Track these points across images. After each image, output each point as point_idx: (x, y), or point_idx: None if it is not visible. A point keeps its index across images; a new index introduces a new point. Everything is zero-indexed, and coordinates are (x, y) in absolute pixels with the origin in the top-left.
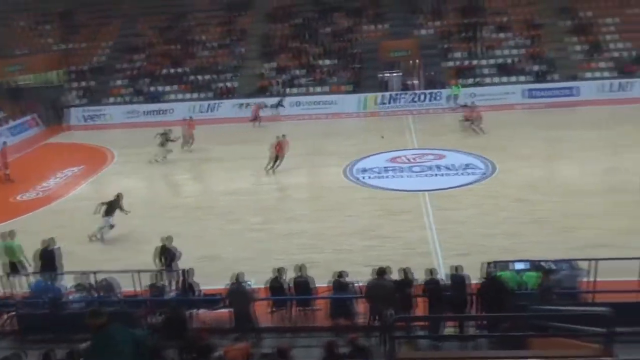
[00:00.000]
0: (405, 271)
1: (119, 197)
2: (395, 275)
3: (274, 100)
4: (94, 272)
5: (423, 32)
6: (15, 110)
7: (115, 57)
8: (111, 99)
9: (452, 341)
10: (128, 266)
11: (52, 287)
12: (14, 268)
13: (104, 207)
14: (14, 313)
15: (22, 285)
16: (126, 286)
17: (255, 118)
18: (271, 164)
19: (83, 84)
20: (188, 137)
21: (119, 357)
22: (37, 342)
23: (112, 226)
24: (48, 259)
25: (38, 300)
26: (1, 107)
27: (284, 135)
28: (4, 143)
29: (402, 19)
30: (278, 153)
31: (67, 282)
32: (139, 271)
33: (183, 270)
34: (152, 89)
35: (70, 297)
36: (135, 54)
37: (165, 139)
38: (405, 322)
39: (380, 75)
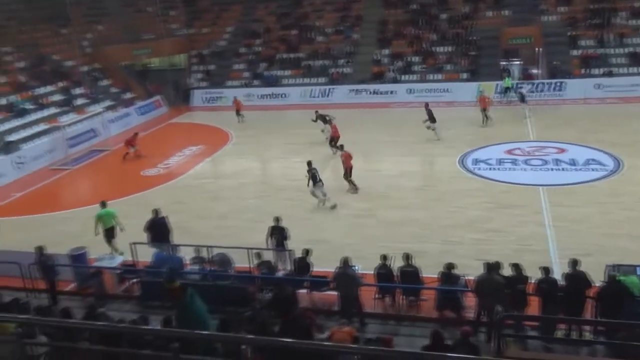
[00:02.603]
0: (517, 267)
1: (309, 164)
2: (505, 271)
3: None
4: (209, 247)
5: (547, 18)
6: (142, 92)
7: (235, 41)
8: (229, 82)
9: (565, 345)
10: (240, 243)
11: (173, 258)
12: (111, 233)
13: (309, 181)
14: (137, 280)
15: (144, 255)
16: (238, 262)
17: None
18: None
19: (203, 67)
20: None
21: (201, 324)
22: (156, 308)
23: (323, 193)
24: (159, 227)
25: (159, 270)
26: (130, 88)
27: (341, 146)
28: (136, 134)
29: (524, 5)
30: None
31: (184, 254)
32: (249, 248)
33: (305, 250)
34: (266, 73)
35: (188, 268)
36: (253, 39)
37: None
38: (515, 320)
39: (504, 63)
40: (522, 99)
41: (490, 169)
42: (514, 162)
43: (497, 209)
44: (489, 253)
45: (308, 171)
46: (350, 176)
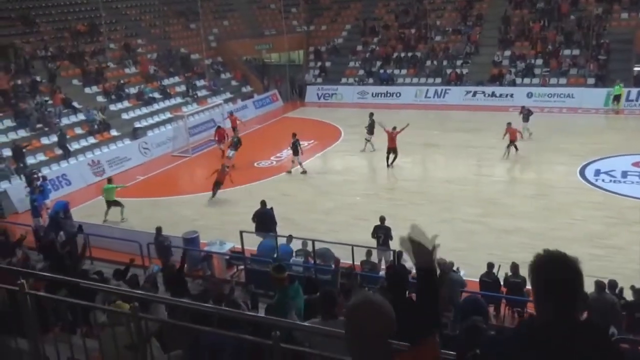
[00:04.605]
0: (638, 292)
1: (294, 135)
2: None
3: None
4: (314, 240)
5: None
6: (259, 86)
7: (353, 39)
8: (344, 79)
9: None
10: (342, 239)
11: (284, 248)
12: (115, 204)
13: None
14: (242, 267)
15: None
16: (341, 258)
17: None
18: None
19: (320, 63)
20: None
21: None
22: (260, 296)
23: (299, 162)
24: (265, 218)
25: (266, 259)
26: (249, 82)
27: (394, 128)
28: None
29: None
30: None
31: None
32: (353, 245)
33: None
34: (381, 71)
35: (292, 260)
36: (371, 36)
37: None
38: (630, 344)
39: (638, 68)
40: (527, 117)
41: (613, 181)
42: None
43: (619, 224)
44: (607, 271)
45: (293, 143)
46: (389, 154)
